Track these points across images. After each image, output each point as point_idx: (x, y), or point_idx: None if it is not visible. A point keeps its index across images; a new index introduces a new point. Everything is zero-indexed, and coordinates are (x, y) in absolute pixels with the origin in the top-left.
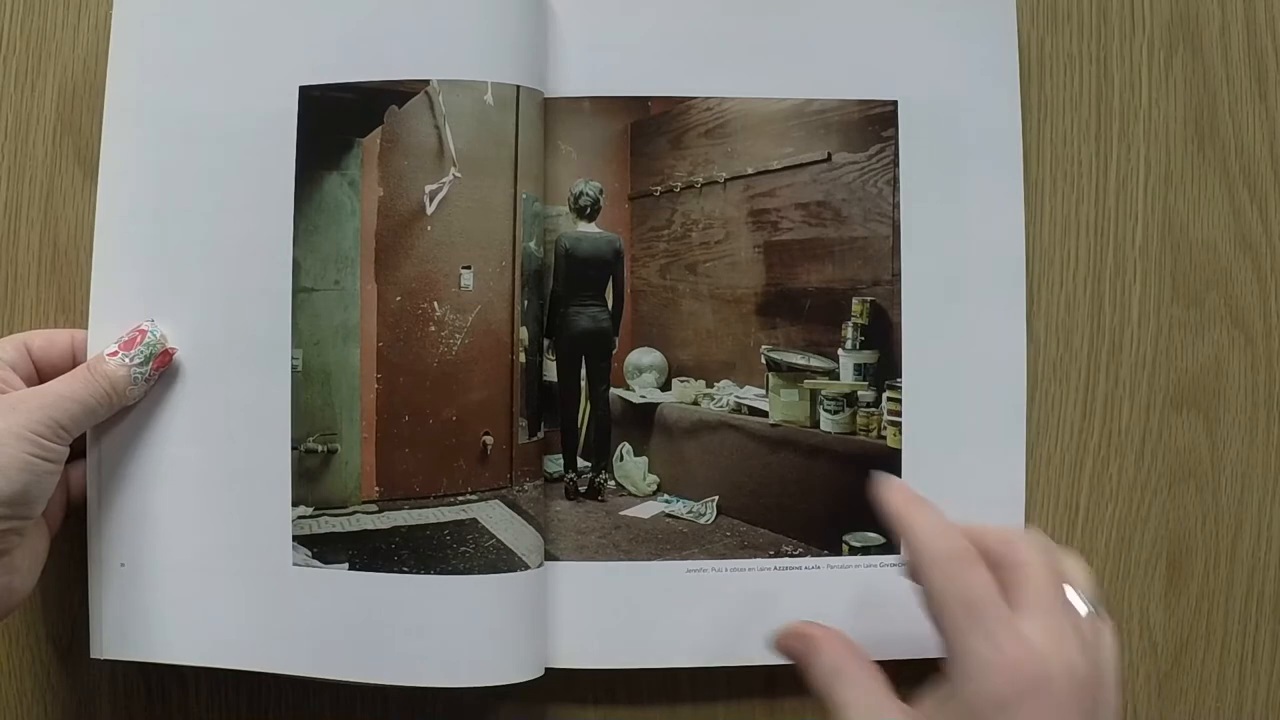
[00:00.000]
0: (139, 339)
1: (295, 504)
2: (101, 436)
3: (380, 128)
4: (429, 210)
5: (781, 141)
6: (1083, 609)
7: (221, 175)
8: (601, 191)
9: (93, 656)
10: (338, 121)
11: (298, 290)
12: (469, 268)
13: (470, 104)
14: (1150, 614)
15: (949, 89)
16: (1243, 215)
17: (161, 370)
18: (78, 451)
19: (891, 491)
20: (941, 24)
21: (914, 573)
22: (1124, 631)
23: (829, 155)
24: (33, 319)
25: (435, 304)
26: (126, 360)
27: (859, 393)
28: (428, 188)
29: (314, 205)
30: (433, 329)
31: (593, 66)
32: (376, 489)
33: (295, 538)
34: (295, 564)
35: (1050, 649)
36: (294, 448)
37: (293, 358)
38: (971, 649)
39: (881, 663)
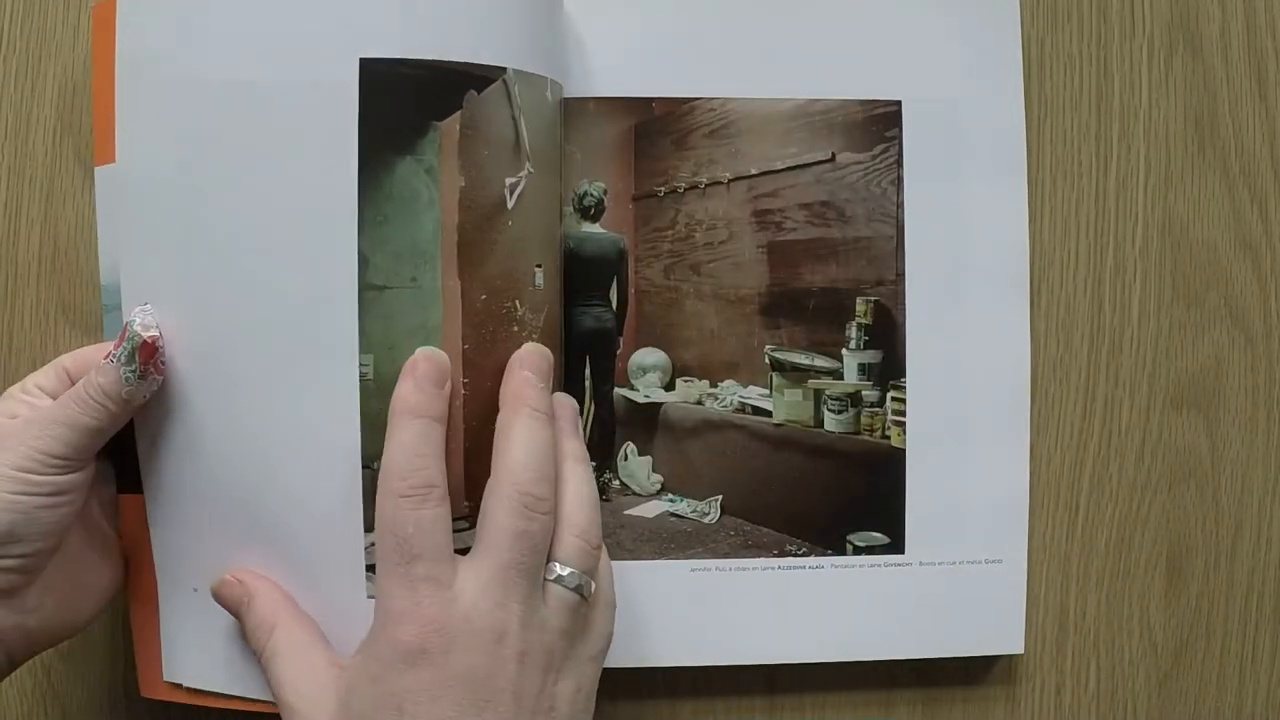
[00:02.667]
0: (124, 335)
1: (369, 530)
2: (152, 461)
3: (460, 112)
4: (509, 204)
5: (785, 142)
6: (560, 572)
7: (266, 158)
8: (606, 192)
9: (167, 680)
10: (411, 101)
11: (365, 289)
12: (540, 266)
13: (536, 98)
14: (1150, 614)
15: (953, 89)
16: (1243, 215)
17: (152, 362)
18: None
19: (396, 399)
20: (945, 24)
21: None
22: (1124, 632)
23: (833, 155)
24: (33, 319)
25: (517, 302)
26: (113, 361)
27: (863, 392)
28: (508, 180)
29: (383, 194)
30: (515, 329)
31: (598, 67)
32: (465, 504)
33: (369, 568)
34: (370, 596)
35: (480, 609)
36: (366, 466)
37: (362, 364)
38: (389, 591)
39: (882, 663)
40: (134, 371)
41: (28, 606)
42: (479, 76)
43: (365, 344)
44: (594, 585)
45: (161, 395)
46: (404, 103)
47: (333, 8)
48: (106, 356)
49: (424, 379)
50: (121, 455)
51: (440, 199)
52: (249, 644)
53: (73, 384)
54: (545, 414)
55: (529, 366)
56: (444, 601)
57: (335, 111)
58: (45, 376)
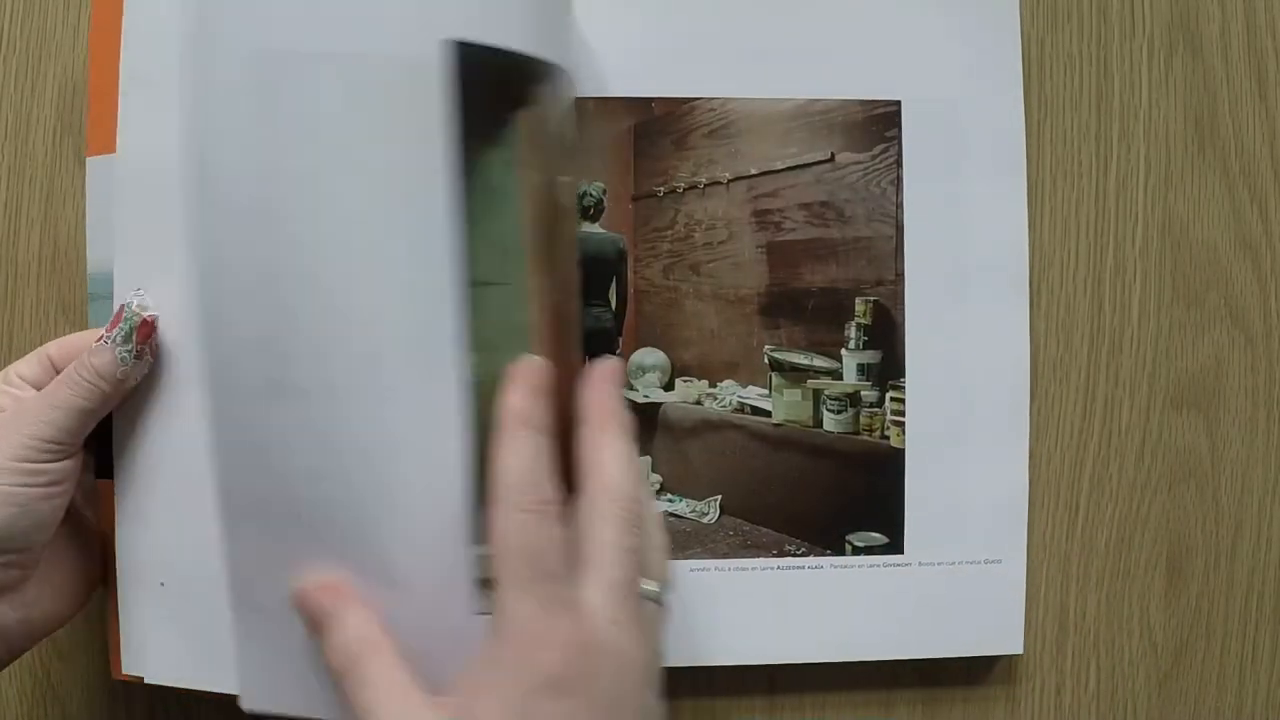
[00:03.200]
0: (120, 316)
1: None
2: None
3: (532, 106)
4: (565, 203)
5: (785, 142)
6: (652, 589)
7: (336, 138)
8: (605, 192)
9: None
10: (493, 89)
11: (470, 284)
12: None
13: (569, 97)
14: (1150, 614)
15: (953, 89)
16: (1243, 215)
17: (148, 343)
18: None
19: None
20: (945, 24)
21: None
22: (1124, 632)
23: (832, 155)
24: (33, 319)
25: (573, 304)
26: (109, 342)
27: (862, 393)
28: (562, 179)
29: (476, 184)
30: (572, 331)
31: (597, 68)
32: None
33: (482, 582)
34: (482, 612)
35: (611, 629)
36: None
37: (466, 367)
38: (524, 613)
39: (883, 663)
40: (130, 351)
41: (28, 600)
42: (540, 71)
43: (469, 344)
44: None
45: (154, 385)
46: (489, 91)
47: None
48: (100, 339)
49: (534, 388)
50: (95, 441)
51: (520, 194)
52: (329, 660)
53: (56, 370)
54: (628, 429)
55: (610, 379)
56: (577, 622)
57: (418, 91)
58: (28, 365)
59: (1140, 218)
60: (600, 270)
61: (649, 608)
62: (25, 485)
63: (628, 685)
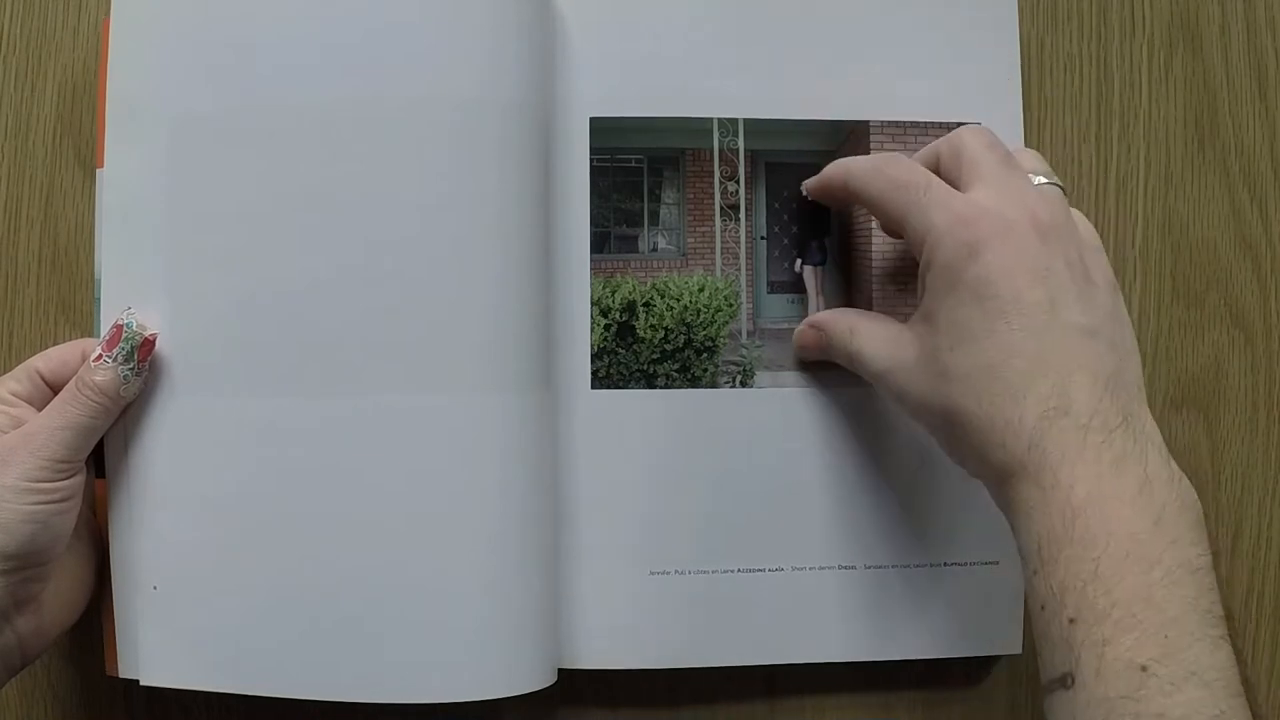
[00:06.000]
0: (118, 335)
1: None
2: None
3: None
4: None
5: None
6: (1037, 180)
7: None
8: None
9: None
10: None
11: None
12: None
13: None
14: None
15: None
16: (1243, 215)
17: (149, 360)
18: None
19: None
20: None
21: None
22: None
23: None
24: (33, 319)
25: None
26: (110, 361)
27: None
28: None
29: None
30: None
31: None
32: None
33: None
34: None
35: (1003, 203)
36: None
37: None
38: (929, 220)
39: (882, 663)
40: (132, 369)
41: (43, 609)
42: None
43: None
44: None
45: (144, 392)
46: None
47: None
48: (98, 358)
49: None
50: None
51: None
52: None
53: (47, 385)
54: None
55: None
56: (981, 206)
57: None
58: (18, 383)
59: (1140, 218)
60: None
61: (1047, 190)
62: (43, 503)
63: (1037, 239)
